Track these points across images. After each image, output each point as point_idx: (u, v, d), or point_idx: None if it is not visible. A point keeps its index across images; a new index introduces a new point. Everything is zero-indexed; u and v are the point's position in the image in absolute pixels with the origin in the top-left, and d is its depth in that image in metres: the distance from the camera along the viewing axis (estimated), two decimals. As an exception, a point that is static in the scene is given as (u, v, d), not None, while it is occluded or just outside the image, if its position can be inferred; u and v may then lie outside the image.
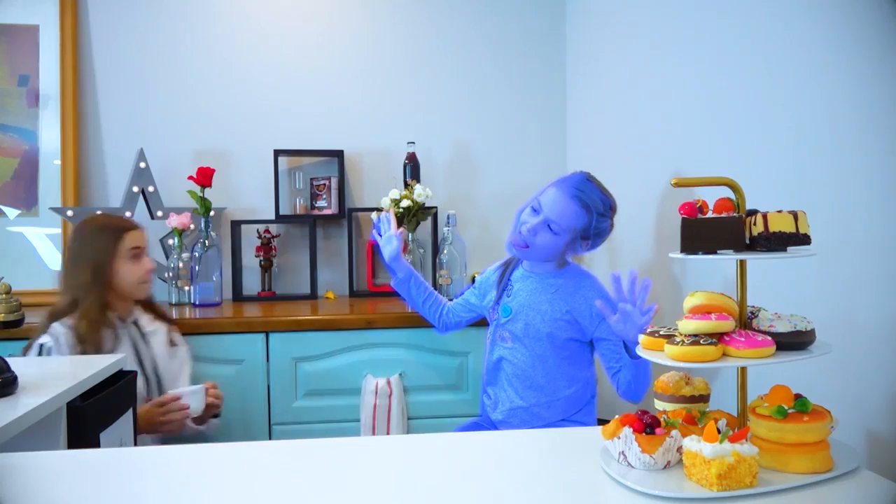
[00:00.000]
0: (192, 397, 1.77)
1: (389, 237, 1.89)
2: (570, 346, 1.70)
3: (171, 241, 2.52)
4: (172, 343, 1.92)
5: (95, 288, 1.75)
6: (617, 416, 1.03)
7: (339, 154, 2.65)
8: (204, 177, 2.45)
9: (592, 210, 1.64)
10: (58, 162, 2.55)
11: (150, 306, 1.93)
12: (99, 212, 1.93)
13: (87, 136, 2.61)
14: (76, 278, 1.76)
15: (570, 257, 1.78)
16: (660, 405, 1.14)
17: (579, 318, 1.69)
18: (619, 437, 0.99)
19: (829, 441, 0.99)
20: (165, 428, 1.73)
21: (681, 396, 1.12)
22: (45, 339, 1.71)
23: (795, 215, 1.02)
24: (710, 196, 1.10)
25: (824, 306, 1.23)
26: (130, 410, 1.75)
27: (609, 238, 2.26)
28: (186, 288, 2.46)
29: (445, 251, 2.51)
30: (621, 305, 1.48)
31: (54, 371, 1.59)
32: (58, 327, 1.72)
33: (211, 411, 1.83)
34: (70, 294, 1.77)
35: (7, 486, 0.98)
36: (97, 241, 1.79)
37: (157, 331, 1.89)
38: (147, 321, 1.89)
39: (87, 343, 1.70)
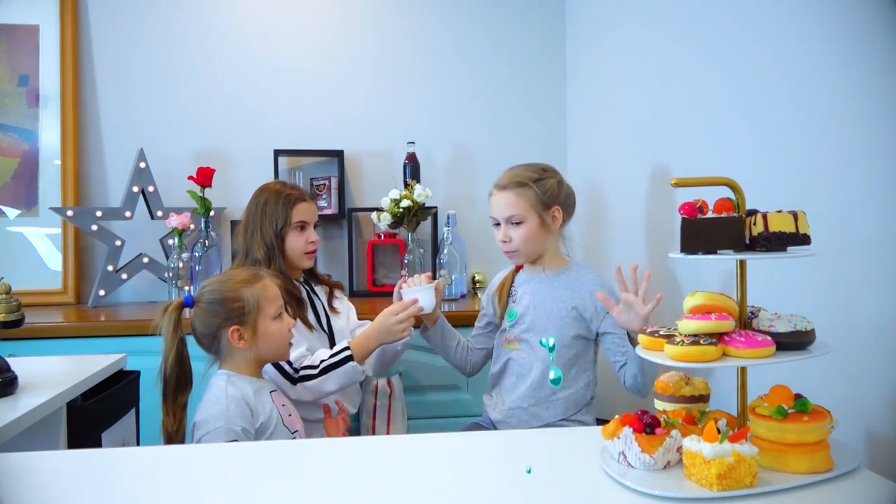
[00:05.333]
0: (424, 293, 1.73)
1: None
2: (576, 346, 1.71)
3: (171, 241, 2.52)
4: (333, 309, 1.95)
5: (273, 254, 1.79)
6: (617, 416, 1.03)
7: (339, 154, 2.65)
8: (204, 177, 2.45)
9: (527, 182, 1.71)
10: (58, 162, 2.55)
11: (313, 273, 1.97)
12: (272, 181, 1.95)
13: (87, 136, 2.61)
14: (255, 244, 1.79)
15: (563, 245, 1.80)
16: (660, 405, 1.14)
17: (584, 312, 1.70)
18: (619, 437, 0.99)
19: (829, 441, 0.99)
20: (400, 335, 1.72)
21: (681, 396, 1.12)
22: None
23: (795, 215, 1.02)
24: (710, 196, 1.10)
25: (824, 306, 1.23)
26: (133, 410, 1.75)
27: (608, 238, 2.27)
28: (186, 288, 2.46)
29: (445, 251, 2.51)
30: (624, 296, 1.50)
31: (54, 371, 1.59)
32: None
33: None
34: (251, 257, 1.79)
35: (7, 486, 0.98)
36: (274, 208, 1.81)
37: (319, 292, 1.94)
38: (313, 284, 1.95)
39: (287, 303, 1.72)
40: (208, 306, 1.47)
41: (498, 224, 1.75)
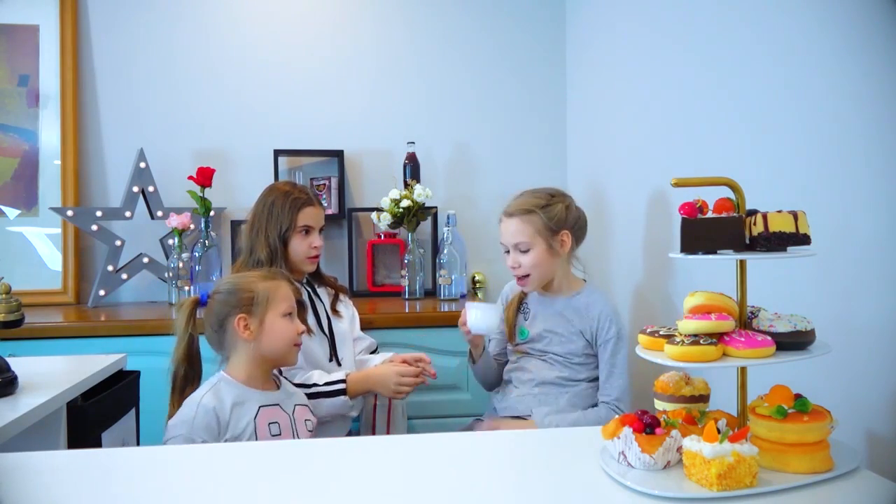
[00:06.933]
0: (485, 312, 1.71)
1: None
2: (590, 359, 1.76)
3: (171, 241, 2.52)
4: (336, 312, 1.93)
5: (276, 256, 1.77)
6: (617, 417, 1.03)
7: (339, 154, 2.65)
8: (204, 177, 2.45)
9: (533, 209, 1.73)
10: (58, 162, 2.55)
11: (317, 275, 1.95)
12: (284, 180, 1.95)
13: (87, 136, 2.61)
14: (259, 244, 1.78)
15: (573, 264, 1.82)
16: (660, 405, 1.14)
17: (587, 336, 1.74)
18: (619, 437, 0.99)
19: (829, 441, 0.99)
20: (394, 395, 1.75)
21: (681, 396, 1.12)
22: None
23: (795, 215, 1.02)
24: (710, 196, 1.10)
25: (824, 306, 1.23)
26: (133, 410, 1.75)
27: (609, 238, 2.26)
28: (186, 288, 2.46)
29: (445, 251, 2.51)
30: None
31: (54, 371, 1.59)
32: None
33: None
34: (254, 257, 1.78)
35: (7, 486, 0.98)
36: (280, 211, 1.79)
37: (322, 294, 1.92)
38: (316, 286, 1.93)
39: None
40: (220, 297, 1.48)
41: (508, 251, 1.77)
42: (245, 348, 1.46)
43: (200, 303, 1.50)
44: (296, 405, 1.52)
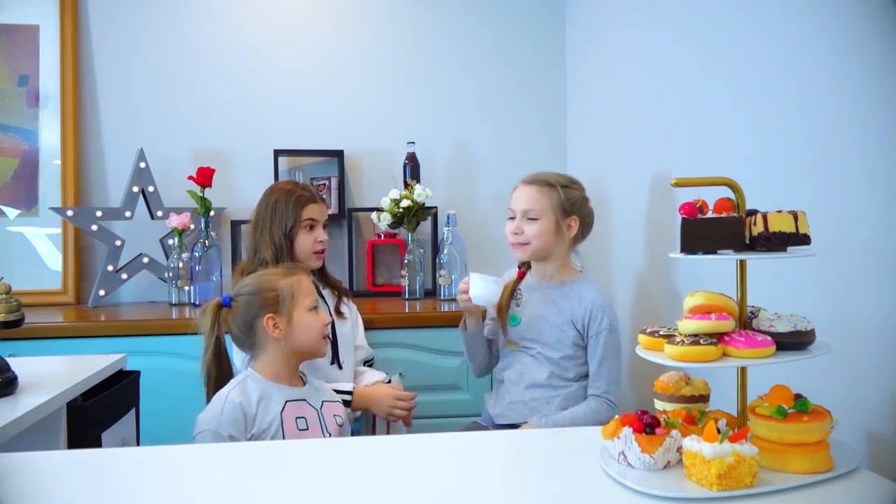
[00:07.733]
0: (487, 284, 1.67)
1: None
2: (577, 349, 1.74)
3: (170, 241, 2.52)
4: (340, 314, 1.92)
5: (281, 253, 1.78)
6: (617, 416, 1.03)
7: (339, 154, 2.65)
8: (204, 177, 2.45)
9: (555, 184, 1.74)
10: (58, 162, 2.55)
11: (323, 275, 1.95)
12: (285, 180, 1.96)
13: (87, 136, 2.61)
14: (264, 244, 1.79)
15: (572, 253, 1.80)
16: (660, 405, 1.14)
17: (577, 326, 1.73)
18: (619, 437, 0.99)
19: (829, 441, 0.99)
20: (387, 417, 1.78)
21: (681, 396, 1.12)
22: None
23: (795, 215, 1.02)
24: (710, 196, 1.10)
25: (824, 306, 1.23)
26: (133, 410, 1.75)
27: (609, 237, 2.26)
28: (186, 288, 2.46)
29: (445, 251, 2.51)
30: None
31: (54, 371, 1.59)
32: None
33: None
34: (259, 257, 1.79)
35: (7, 486, 0.98)
36: (284, 209, 1.81)
37: (326, 295, 1.92)
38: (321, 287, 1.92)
39: None
40: (245, 299, 1.50)
41: (513, 218, 1.75)
42: (276, 346, 1.49)
43: (223, 305, 1.53)
44: (323, 401, 1.54)
